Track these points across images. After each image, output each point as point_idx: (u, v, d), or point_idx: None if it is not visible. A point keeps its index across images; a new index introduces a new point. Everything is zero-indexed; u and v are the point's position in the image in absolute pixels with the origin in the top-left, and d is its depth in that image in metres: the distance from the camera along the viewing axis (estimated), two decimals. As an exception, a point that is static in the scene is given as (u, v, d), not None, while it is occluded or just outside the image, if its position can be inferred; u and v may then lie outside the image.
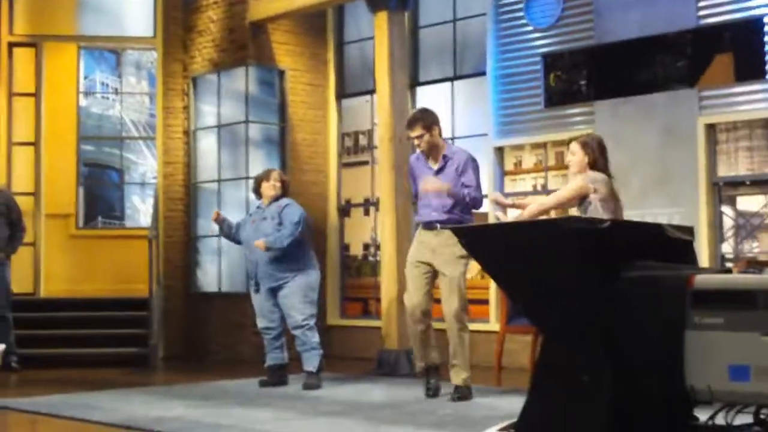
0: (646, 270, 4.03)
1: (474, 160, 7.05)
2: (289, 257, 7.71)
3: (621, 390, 3.98)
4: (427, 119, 6.98)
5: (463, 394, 6.81)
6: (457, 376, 6.89)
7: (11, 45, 11.05)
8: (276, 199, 7.90)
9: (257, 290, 7.83)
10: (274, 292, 7.77)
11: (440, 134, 7.06)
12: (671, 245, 4.33)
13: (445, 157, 6.96)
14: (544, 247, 4.15)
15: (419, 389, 7.13)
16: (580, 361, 4.08)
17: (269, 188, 7.89)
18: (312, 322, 7.76)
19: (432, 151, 6.98)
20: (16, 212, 9.37)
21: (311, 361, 7.70)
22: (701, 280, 3.94)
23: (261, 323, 7.89)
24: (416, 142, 6.99)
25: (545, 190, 9.06)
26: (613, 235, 4.09)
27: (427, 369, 7.09)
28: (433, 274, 6.95)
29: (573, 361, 4.11)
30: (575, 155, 5.89)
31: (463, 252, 6.61)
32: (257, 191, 8.04)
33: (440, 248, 6.83)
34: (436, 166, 6.97)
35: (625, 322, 3.99)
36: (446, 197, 6.86)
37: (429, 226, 6.92)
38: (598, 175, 5.77)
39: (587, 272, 4.07)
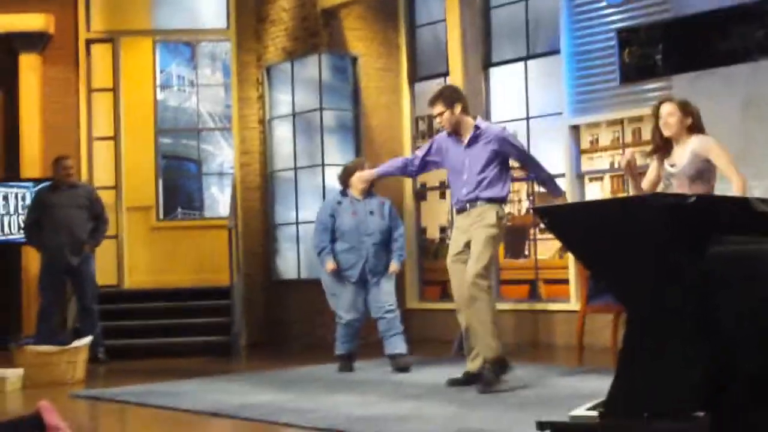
0: (735, 245, 3.96)
1: (509, 134, 6.87)
2: (387, 250, 7.99)
3: (714, 366, 3.92)
4: (449, 96, 6.79)
5: (487, 380, 6.41)
6: (473, 364, 6.66)
7: (89, 42, 11.25)
8: (369, 192, 7.99)
9: (356, 282, 7.90)
10: (366, 284, 7.91)
11: (465, 112, 6.80)
12: (758, 219, 4.24)
13: (476, 127, 6.75)
14: (630, 224, 4.09)
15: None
16: (670, 339, 4.02)
17: (362, 180, 7.86)
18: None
19: (457, 129, 6.79)
20: (99, 205, 9.52)
21: (400, 344, 7.83)
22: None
23: (349, 315, 7.91)
24: (438, 120, 6.84)
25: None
26: (700, 210, 4.02)
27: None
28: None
29: (662, 339, 4.05)
30: (673, 116, 5.69)
31: (493, 221, 6.59)
32: (346, 181, 8.05)
33: (472, 223, 6.65)
34: (465, 143, 6.76)
35: (716, 297, 3.93)
36: (475, 174, 6.65)
37: (460, 208, 6.76)
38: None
39: (675, 248, 4.01)
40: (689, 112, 5.73)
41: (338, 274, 7.92)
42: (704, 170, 5.69)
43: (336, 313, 8.02)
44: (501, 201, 6.75)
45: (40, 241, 9.33)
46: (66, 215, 9.24)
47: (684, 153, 5.74)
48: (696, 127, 5.73)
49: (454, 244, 6.81)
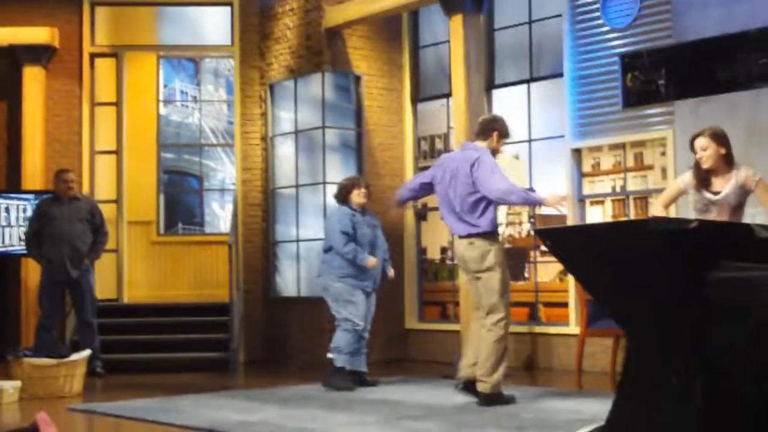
0: (736, 271, 3.96)
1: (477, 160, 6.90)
2: None
3: (713, 394, 3.91)
4: (488, 128, 7.11)
5: (488, 402, 6.70)
6: (481, 385, 6.79)
7: (93, 56, 11.27)
8: (364, 207, 8.19)
9: (366, 293, 8.12)
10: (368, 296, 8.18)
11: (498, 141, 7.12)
12: (761, 245, 4.25)
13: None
14: (631, 248, 4.10)
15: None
16: (670, 364, 4.01)
17: (361, 196, 8.18)
18: None
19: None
20: (98, 217, 9.54)
21: (365, 363, 8.17)
22: (792, 280, 3.85)
23: (363, 323, 8.05)
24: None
25: (624, 192, 8.96)
26: (702, 236, 4.02)
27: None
28: None
29: (662, 364, 4.05)
30: (707, 149, 5.86)
31: (485, 251, 6.81)
32: (345, 198, 8.15)
33: (466, 253, 6.92)
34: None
35: (716, 324, 3.93)
36: (459, 203, 6.94)
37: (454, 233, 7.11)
38: None
39: (675, 274, 4.01)
40: (723, 143, 5.89)
41: (356, 282, 8.03)
42: (745, 200, 5.92)
43: (348, 321, 8.01)
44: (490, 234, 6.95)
45: (40, 254, 9.34)
46: (67, 228, 9.27)
47: (727, 182, 5.92)
48: (728, 157, 5.86)
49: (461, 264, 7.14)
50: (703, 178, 5.96)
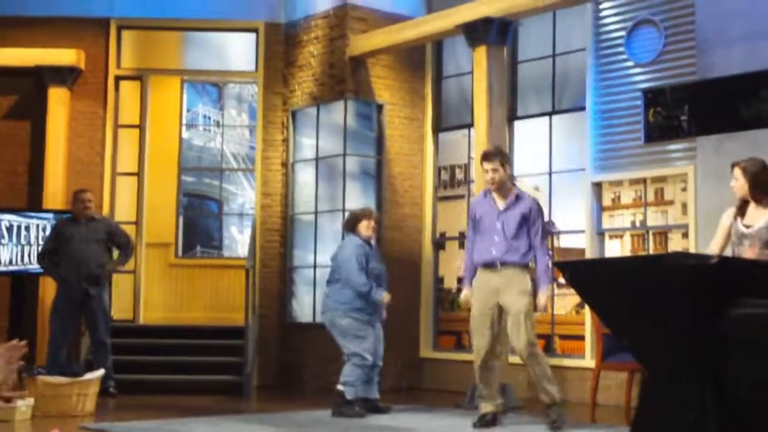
0: (756, 308, 3.93)
1: (541, 209, 7.27)
2: None
3: (728, 429, 3.87)
4: (504, 156, 7.19)
5: (554, 421, 6.90)
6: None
7: (118, 78, 11.36)
8: (370, 241, 8.16)
9: (375, 326, 8.08)
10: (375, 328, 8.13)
11: (509, 175, 7.25)
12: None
13: (518, 197, 7.11)
14: (650, 283, 4.08)
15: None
16: (686, 399, 3.98)
17: (369, 229, 8.13)
18: None
19: (501, 188, 7.10)
20: (120, 236, 9.57)
21: (377, 391, 8.12)
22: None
23: (372, 357, 7.95)
24: (491, 175, 7.07)
25: (644, 227, 8.93)
26: (722, 272, 4.00)
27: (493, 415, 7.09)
28: (498, 314, 7.04)
29: (678, 399, 4.01)
30: (738, 180, 5.92)
31: (527, 287, 6.95)
32: (353, 227, 8.13)
33: (503, 286, 6.96)
34: (503, 205, 7.08)
35: (734, 360, 3.90)
36: (508, 238, 6.98)
37: (490, 264, 7.03)
38: None
39: (694, 309, 3.99)
40: (755, 177, 5.91)
41: (364, 316, 7.96)
42: None
43: (357, 355, 7.93)
44: (527, 266, 7.09)
45: (57, 271, 9.36)
46: (83, 248, 9.27)
47: (761, 217, 5.89)
48: (754, 190, 5.85)
49: (483, 303, 7.04)
50: (740, 207, 5.97)
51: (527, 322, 6.91)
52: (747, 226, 5.88)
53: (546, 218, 7.85)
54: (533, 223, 7.04)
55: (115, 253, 9.58)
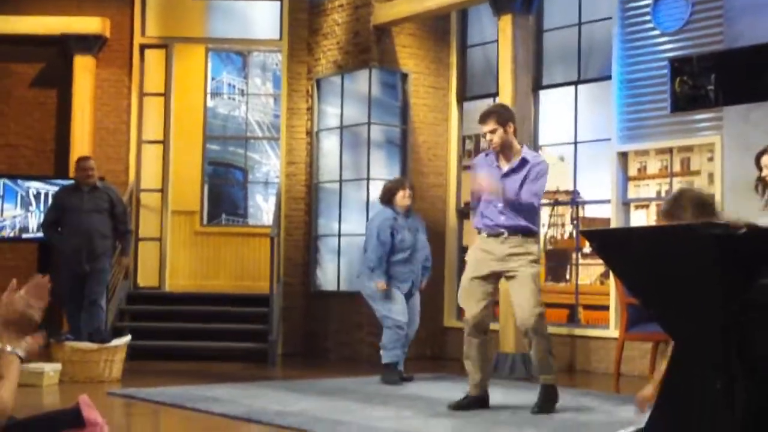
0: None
1: (545, 172, 6.51)
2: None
3: (756, 399, 3.88)
4: (503, 114, 6.48)
5: (542, 403, 6.41)
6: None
7: (143, 47, 11.39)
8: (408, 210, 8.16)
9: (406, 295, 8.13)
10: (407, 298, 8.18)
11: (515, 134, 6.51)
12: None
13: (523, 160, 6.44)
14: (679, 252, 4.07)
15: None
16: (713, 369, 3.98)
17: (406, 198, 8.12)
18: None
19: (504, 150, 6.46)
20: (119, 209, 8.95)
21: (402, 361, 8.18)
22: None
23: (404, 319, 8.04)
24: (488, 137, 6.44)
25: (670, 196, 8.88)
26: (751, 242, 3.99)
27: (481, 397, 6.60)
28: (495, 286, 6.60)
29: (705, 369, 4.02)
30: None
31: (535, 257, 6.45)
32: (390, 200, 8.14)
33: (509, 256, 6.38)
34: (506, 167, 6.45)
35: (762, 329, 3.89)
36: (514, 201, 6.38)
37: (494, 231, 6.43)
38: None
39: (723, 279, 3.98)
40: None
41: (390, 281, 8.05)
42: None
43: (388, 318, 8.02)
44: (534, 233, 6.61)
45: (58, 241, 8.92)
46: (84, 220, 8.70)
47: None
48: None
49: (482, 266, 6.48)
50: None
51: (536, 288, 6.36)
52: None
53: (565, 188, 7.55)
54: (534, 181, 6.39)
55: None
